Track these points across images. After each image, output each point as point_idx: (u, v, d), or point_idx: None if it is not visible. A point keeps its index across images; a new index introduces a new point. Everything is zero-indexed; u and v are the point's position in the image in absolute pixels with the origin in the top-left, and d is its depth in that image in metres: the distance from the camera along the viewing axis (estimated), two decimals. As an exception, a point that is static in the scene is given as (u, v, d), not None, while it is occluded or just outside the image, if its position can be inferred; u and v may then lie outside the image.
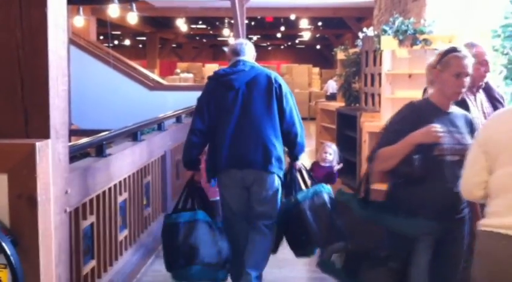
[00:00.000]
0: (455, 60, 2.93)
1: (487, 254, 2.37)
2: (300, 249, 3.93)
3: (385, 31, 6.10)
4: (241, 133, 3.73)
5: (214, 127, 3.79)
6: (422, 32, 5.77)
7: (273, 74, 3.87)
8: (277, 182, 3.79)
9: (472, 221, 2.98)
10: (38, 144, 2.45)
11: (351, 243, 3.11)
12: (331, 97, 11.18)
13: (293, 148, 3.92)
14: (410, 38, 5.84)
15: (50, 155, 2.56)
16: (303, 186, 4.02)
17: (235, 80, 3.79)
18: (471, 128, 3.03)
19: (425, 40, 5.72)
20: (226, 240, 3.69)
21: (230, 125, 3.74)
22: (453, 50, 3.01)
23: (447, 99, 2.99)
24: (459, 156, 2.83)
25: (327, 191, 3.83)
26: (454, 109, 3.05)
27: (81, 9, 12.33)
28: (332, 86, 16.07)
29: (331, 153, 4.94)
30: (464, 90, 2.97)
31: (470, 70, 2.94)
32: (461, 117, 3.05)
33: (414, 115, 2.97)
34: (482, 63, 3.48)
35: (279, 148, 3.79)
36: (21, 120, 2.63)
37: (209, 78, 4.02)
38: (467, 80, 2.94)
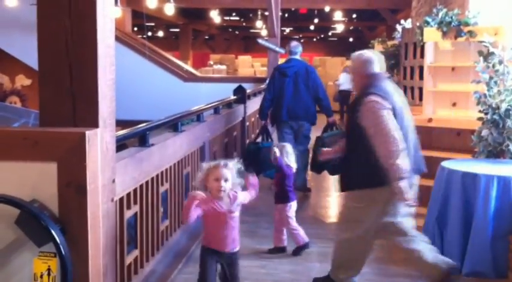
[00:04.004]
0: None
1: None
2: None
3: (427, 23, 5.94)
4: (294, 101, 6.54)
5: (277, 97, 6.59)
6: (467, 24, 5.59)
7: (308, 66, 6.99)
8: (309, 127, 6.77)
9: None
10: (88, 133, 2.44)
11: None
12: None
13: (325, 111, 6.82)
14: (454, 30, 5.66)
15: (99, 144, 2.55)
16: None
17: (289, 71, 6.58)
18: None
19: (470, 32, 5.55)
20: None
21: (287, 96, 6.54)
22: None
23: None
24: None
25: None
26: None
27: (117, 0, 12.41)
28: (347, 78, 15.02)
29: (275, 152, 4.84)
30: None
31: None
32: None
33: None
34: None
35: (313, 109, 6.68)
36: (70, 108, 2.62)
37: (274, 69, 6.97)
38: None
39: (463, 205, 4.39)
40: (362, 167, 3.69)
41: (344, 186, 3.91)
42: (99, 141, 2.55)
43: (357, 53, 3.94)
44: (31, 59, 13.15)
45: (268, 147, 6.32)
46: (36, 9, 2.64)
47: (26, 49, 12.26)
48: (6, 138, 2.45)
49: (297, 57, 6.75)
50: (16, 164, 2.43)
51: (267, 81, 6.88)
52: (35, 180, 2.42)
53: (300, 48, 6.72)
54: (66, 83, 2.62)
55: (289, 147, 4.93)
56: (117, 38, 12.44)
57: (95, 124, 2.57)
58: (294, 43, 6.76)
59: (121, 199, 3.25)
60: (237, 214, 3.39)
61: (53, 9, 2.61)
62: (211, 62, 23.18)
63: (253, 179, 3.58)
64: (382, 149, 3.52)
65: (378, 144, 3.54)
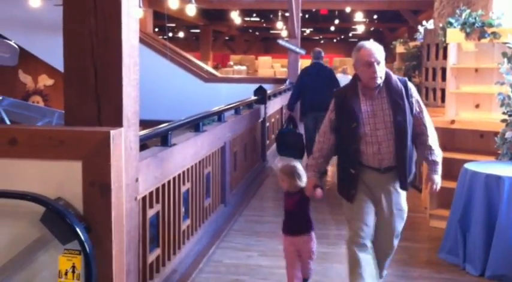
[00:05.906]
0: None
1: None
2: None
3: (450, 24, 5.89)
4: (316, 96, 7.53)
5: (303, 93, 7.85)
6: (491, 25, 5.53)
7: (328, 68, 8.49)
8: None
9: None
10: (112, 132, 2.46)
11: None
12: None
13: None
14: (477, 31, 5.60)
15: (123, 144, 2.58)
16: None
17: (313, 70, 8.04)
18: None
19: (494, 33, 5.49)
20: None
21: (310, 91, 7.76)
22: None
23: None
24: None
25: None
26: None
27: (140, 1, 12.49)
28: (344, 80, 14.86)
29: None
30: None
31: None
32: None
33: None
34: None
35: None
36: (94, 108, 2.65)
37: (303, 70, 8.63)
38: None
39: (486, 207, 4.35)
40: (412, 160, 3.50)
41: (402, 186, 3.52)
42: (123, 141, 2.58)
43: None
44: (54, 59, 13.29)
45: (285, 133, 8.03)
46: (62, 10, 2.67)
47: (49, 49, 12.41)
48: (32, 137, 2.49)
49: (320, 61, 8.18)
50: (42, 162, 2.46)
51: (296, 80, 8.37)
52: (60, 178, 2.46)
53: (322, 54, 8.30)
54: (91, 83, 2.65)
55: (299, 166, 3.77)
56: (139, 39, 12.50)
57: (119, 124, 2.60)
58: (317, 50, 8.26)
59: (144, 198, 3.28)
60: None
61: (79, 10, 2.64)
62: (232, 63, 23.22)
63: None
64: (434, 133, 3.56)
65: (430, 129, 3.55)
